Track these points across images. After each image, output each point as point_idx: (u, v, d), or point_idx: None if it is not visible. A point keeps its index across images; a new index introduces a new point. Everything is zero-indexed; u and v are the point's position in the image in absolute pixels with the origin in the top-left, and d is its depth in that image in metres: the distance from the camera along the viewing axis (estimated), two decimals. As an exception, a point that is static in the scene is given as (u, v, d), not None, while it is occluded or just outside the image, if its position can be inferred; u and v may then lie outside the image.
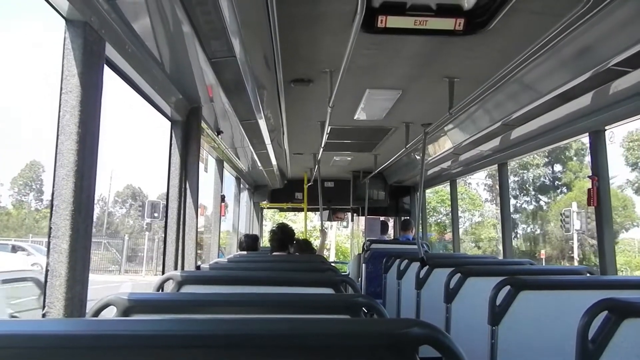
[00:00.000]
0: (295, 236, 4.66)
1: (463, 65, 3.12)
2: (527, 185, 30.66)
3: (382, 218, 8.89)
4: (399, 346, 0.91)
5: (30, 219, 37.93)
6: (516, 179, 30.71)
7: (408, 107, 4.14)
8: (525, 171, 30.30)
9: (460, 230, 29.58)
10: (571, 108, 3.25)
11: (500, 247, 5.16)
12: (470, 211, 30.86)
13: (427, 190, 14.93)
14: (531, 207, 30.96)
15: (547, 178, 30.37)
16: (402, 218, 8.31)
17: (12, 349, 0.82)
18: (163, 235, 2.81)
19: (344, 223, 14.32)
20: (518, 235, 29.88)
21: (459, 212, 29.34)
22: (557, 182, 29.99)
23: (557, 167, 30.00)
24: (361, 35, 2.26)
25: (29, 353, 0.83)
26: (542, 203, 30.68)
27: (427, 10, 2.34)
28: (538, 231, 30.31)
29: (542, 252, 27.40)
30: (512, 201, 30.15)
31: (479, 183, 31.16)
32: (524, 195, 30.74)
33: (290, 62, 2.98)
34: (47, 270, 1.55)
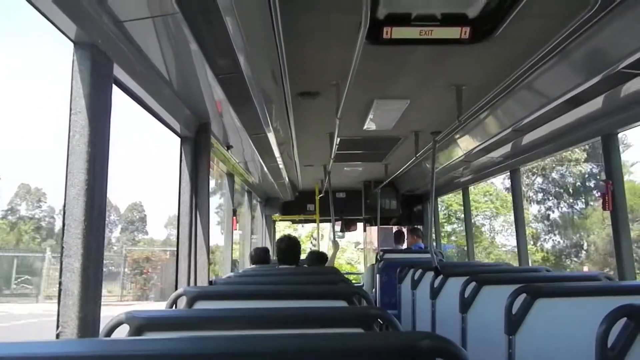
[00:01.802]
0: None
1: (470, 73, 3.11)
2: (559, 187, 25.52)
3: (395, 228, 8.85)
4: (412, 359, 0.90)
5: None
6: (540, 180, 25.90)
7: (417, 116, 4.13)
8: (560, 168, 24.98)
9: (486, 241, 25.08)
10: (582, 112, 3.22)
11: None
12: (505, 215, 24.36)
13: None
14: (564, 212, 25.71)
15: (581, 178, 24.90)
16: (412, 226, 8.27)
17: None
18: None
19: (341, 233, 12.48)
20: (544, 248, 25.22)
21: (487, 217, 25.26)
22: (594, 181, 24.13)
23: (590, 165, 24.09)
24: (367, 46, 2.26)
25: None
26: (578, 207, 25.37)
27: (432, 20, 2.33)
28: (569, 242, 25.22)
29: (585, 269, 22.53)
30: (536, 207, 25.95)
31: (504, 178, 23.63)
32: (555, 198, 25.75)
33: (296, 75, 3.00)
34: (60, 290, 1.56)
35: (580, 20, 2.21)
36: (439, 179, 6.07)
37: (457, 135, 4.50)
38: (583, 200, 25.46)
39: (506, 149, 4.47)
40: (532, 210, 26.10)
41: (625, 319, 1.58)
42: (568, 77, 2.73)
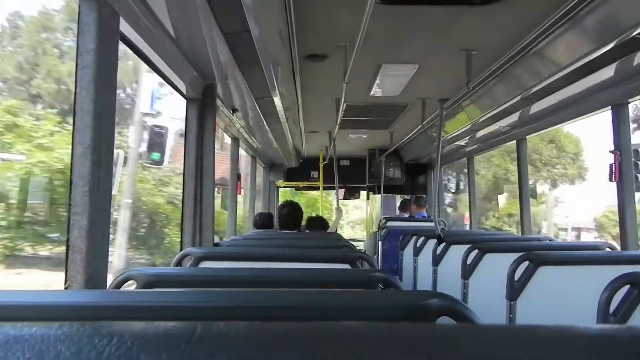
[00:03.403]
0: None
1: (481, 37, 3.05)
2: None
3: (398, 197, 8.90)
4: (418, 318, 0.91)
5: None
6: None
7: (425, 82, 4.08)
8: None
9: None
10: (593, 81, 3.16)
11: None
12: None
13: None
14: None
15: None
16: (416, 195, 8.30)
17: (36, 320, 0.84)
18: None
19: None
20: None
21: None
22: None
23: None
24: (377, 6, 2.21)
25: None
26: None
27: None
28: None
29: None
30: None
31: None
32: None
33: (304, 37, 2.95)
34: (67, 246, 1.57)
35: None
36: (444, 147, 6.04)
37: (465, 103, 4.45)
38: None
39: (514, 117, 4.42)
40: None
41: (628, 286, 1.59)
42: (580, 43, 2.68)
